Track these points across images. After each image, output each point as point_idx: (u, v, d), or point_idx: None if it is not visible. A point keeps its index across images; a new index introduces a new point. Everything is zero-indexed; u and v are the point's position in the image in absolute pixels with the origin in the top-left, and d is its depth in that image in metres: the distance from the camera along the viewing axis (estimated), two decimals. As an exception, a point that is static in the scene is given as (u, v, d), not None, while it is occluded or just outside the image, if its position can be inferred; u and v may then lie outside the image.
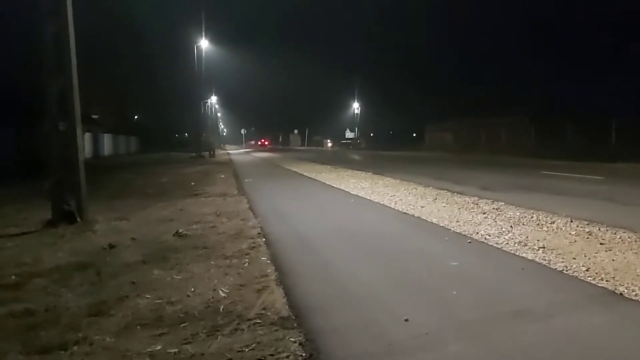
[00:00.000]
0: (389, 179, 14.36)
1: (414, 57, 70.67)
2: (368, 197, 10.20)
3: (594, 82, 34.84)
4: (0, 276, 4.56)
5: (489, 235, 6.03)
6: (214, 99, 61.41)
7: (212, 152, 38.02)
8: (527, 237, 5.83)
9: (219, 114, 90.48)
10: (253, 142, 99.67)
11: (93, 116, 39.74)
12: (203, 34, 37.20)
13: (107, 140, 39.35)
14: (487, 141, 37.78)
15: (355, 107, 74.10)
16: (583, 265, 4.57)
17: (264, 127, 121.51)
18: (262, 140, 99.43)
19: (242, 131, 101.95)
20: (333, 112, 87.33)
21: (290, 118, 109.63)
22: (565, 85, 36.88)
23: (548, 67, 42.82)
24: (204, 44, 38.24)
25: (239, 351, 2.89)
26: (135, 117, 60.20)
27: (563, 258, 4.86)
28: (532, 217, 7.15)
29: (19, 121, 19.18)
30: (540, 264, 4.72)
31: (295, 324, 3.30)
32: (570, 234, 6.02)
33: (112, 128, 42.37)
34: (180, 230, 6.45)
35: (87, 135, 26.55)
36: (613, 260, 4.77)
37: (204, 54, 38.81)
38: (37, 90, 9.60)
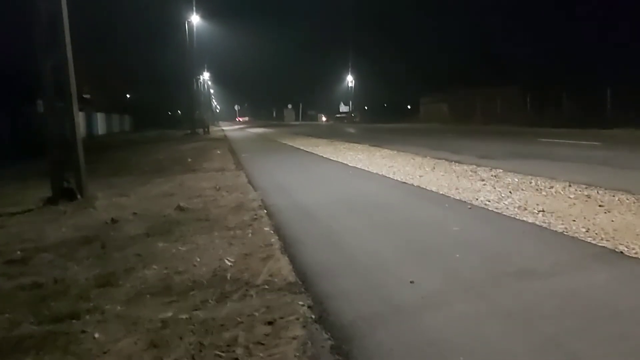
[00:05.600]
0: (386, 150, 14.37)
1: (405, 29, 69.79)
2: (366, 169, 10.22)
3: (588, 51, 34.66)
4: (5, 252, 4.59)
5: (489, 201, 6.08)
6: (206, 76, 60.82)
7: (206, 129, 37.83)
8: (527, 202, 5.88)
9: (211, 91, 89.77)
10: (239, 119, 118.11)
11: (85, 96, 39.28)
12: (194, 8, 36.65)
13: (100, 119, 39.06)
14: (482, 112, 37.71)
15: (350, 80, 73.58)
16: (583, 227, 4.63)
17: (257, 103, 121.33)
18: (239, 118, 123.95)
19: (236, 107, 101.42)
20: (327, 87, 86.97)
21: (284, 93, 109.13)
22: (559, 54, 36.64)
23: (542, 36, 42.42)
24: (195, 19, 37.70)
25: (249, 315, 2.94)
26: (128, 95, 59.52)
27: (563, 220, 4.92)
28: (530, 183, 7.20)
29: (13, 102, 19.02)
30: (541, 226, 4.77)
31: (303, 289, 3.34)
32: (569, 197, 6.07)
33: (104, 107, 41.94)
34: (181, 204, 6.47)
35: (80, 114, 26.28)
36: (612, 221, 4.82)
37: (195, 30, 38.29)
38: (30, 70, 9.48)
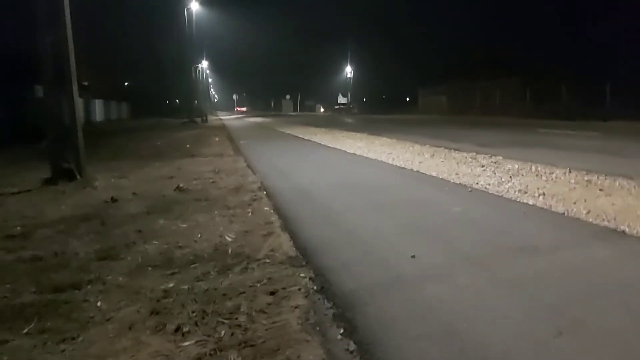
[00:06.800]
0: (384, 138, 14.34)
1: (404, 21, 69.51)
2: (365, 155, 10.21)
3: (588, 44, 34.54)
4: (5, 228, 4.56)
5: (489, 185, 6.08)
6: (205, 64, 60.56)
7: (204, 118, 37.72)
8: (527, 186, 5.88)
9: (210, 80, 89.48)
10: (238, 110, 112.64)
11: (84, 83, 39.02)
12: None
13: (98, 106, 38.88)
14: (481, 104, 37.70)
15: (348, 71, 73.37)
16: (584, 209, 4.63)
17: (256, 93, 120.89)
18: (237, 108, 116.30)
19: (234, 96, 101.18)
20: (325, 78, 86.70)
21: (282, 83, 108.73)
22: (560, 47, 36.51)
23: (542, 28, 42.24)
24: (194, 6, 37.47)
25: (251, 286, 2.93)
26: (126, 83, 59.22)
27: (564, 203, 4.92)
28: (530, 169, 7.20)
29: (10, 87, 18.88)
30: (542, 208, 4.78)
31: (304, 263, 3.34)
32: (569, 182, 6.07)
33: (103, 94, 41.71)
34: (180, 185, 6.45)
35: (79, 101, 26.13)
36: (613, 204, 4.83)
37: (194, 18, 38.06)
38: (28, 56, 9.40)
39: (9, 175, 8.46)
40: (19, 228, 4.53)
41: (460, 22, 54.51)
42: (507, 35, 43.71)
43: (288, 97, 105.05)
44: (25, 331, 2.46)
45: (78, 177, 7.00)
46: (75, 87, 7.26)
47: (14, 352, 2.26)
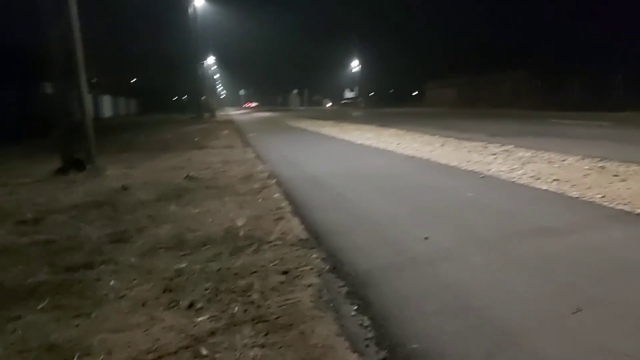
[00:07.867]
0: (393, 130, 14.29)
1: (412, 13, 68.95)
2: (374, 146, 10.17)
3: (598, 34, 34.14)
4: (17, 214, 4.59)
5: (501, 172, 6.02)
6: (212, 60, 60.62)
7: (212, 113, 37.78)
8: (540, 173, 5.82)
9: (217, 75, 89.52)
10: (246, 105, 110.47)
11: (92, 80, 39.16)
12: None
13: (106, 102, 39.17)
14: (490, 96, 37.38)
15: (355, 65, 73.08)
16: (598, 193, 4.57)
17: (263, 88, 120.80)
18: (248, 103, 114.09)
19: (241, 92, 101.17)
20: (332, 73, 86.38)
21: (289, 79, 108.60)
22: (571, 39, 36.13)
23: (554, 20, 41.80)
24: (200, 2, 37.43)
25: (263, 266, 2.92)
26: (134, 79, 59.39)
27: (577, 188, 4.86)
28: (543, 156, 7.13)
29: (21, 83, 19.04)
30: (555, 192, 4.73)
31: (316, 244, 3.33)
32: (583, 168, 6.00)
33: (111, 91, 41.89)
34: (191, 174, 6.46)
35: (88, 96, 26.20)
36: (628, 188, 4.76)
37: (200, 14, 38.02)
38: (37, 52, 9.43)
39: (21, 166, 8.52)
40: (31, 214, 4.55)
41: (467, 14, 54.01)
42: (515, 27, 43.29)
43: (295, 92, 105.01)
44: (39, 308, 2.46)
45: (88, 167, 7.03)
46: (83, 79, 7.28)
47: (28, 326, 2.26)
